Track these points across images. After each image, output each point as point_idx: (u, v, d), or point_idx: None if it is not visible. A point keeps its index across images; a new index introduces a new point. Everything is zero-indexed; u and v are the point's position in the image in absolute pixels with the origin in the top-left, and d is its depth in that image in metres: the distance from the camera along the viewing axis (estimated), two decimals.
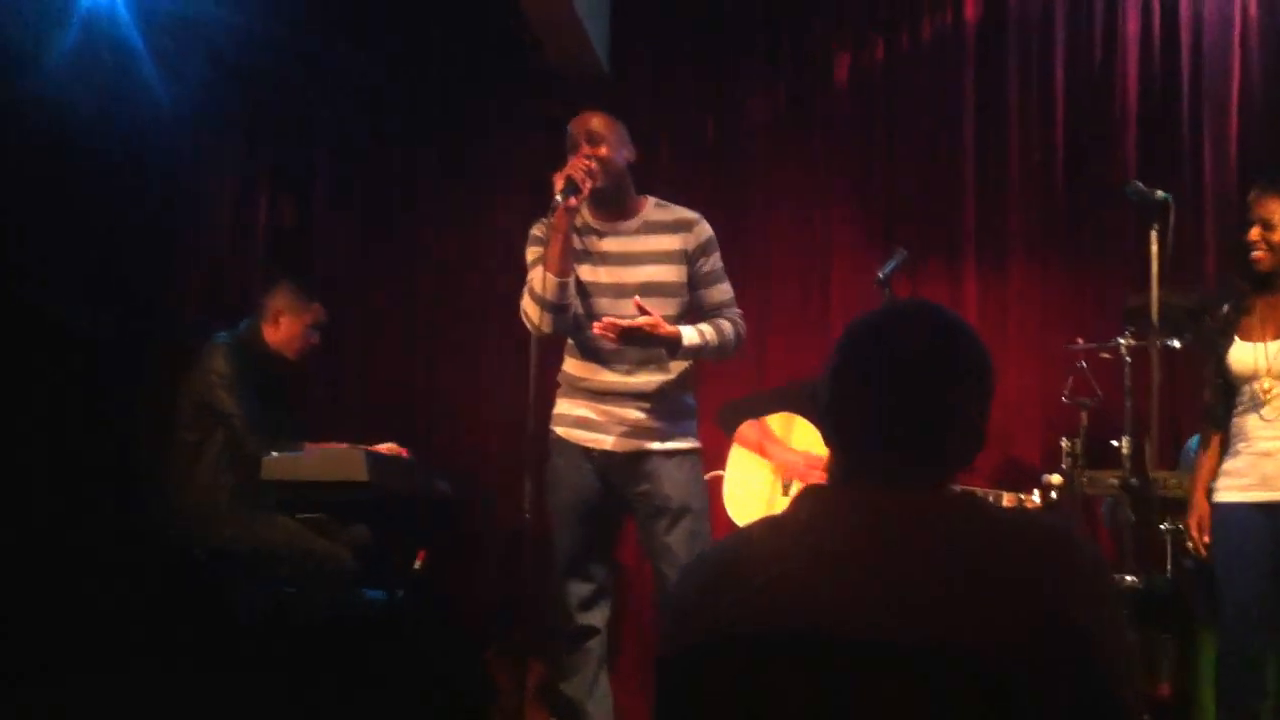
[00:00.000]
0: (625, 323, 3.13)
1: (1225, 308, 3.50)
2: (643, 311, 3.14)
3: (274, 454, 3.83)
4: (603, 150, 3.25)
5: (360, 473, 3.74)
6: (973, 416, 1.41)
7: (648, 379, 3.29)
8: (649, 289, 3.26)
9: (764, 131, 5.17)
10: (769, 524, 1.44)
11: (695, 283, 3.33)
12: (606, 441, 3.30)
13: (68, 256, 4.29)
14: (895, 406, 1.38)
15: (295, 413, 4.33)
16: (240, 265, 5.32)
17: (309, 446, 4.03)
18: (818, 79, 5.15)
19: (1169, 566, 3.89)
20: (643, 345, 3.21)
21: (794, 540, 1.35)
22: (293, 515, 3.94)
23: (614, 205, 3.33)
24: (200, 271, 5.28)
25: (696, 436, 3.40)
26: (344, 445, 4.06)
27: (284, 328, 4.16)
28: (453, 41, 5.34)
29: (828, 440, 1.44)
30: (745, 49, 5.20)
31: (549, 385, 3.40)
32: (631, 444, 3.28)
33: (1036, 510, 3.85)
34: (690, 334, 3.23)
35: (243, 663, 3.53)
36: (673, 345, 3.20)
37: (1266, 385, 3.32)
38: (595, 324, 3.18)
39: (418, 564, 4.14)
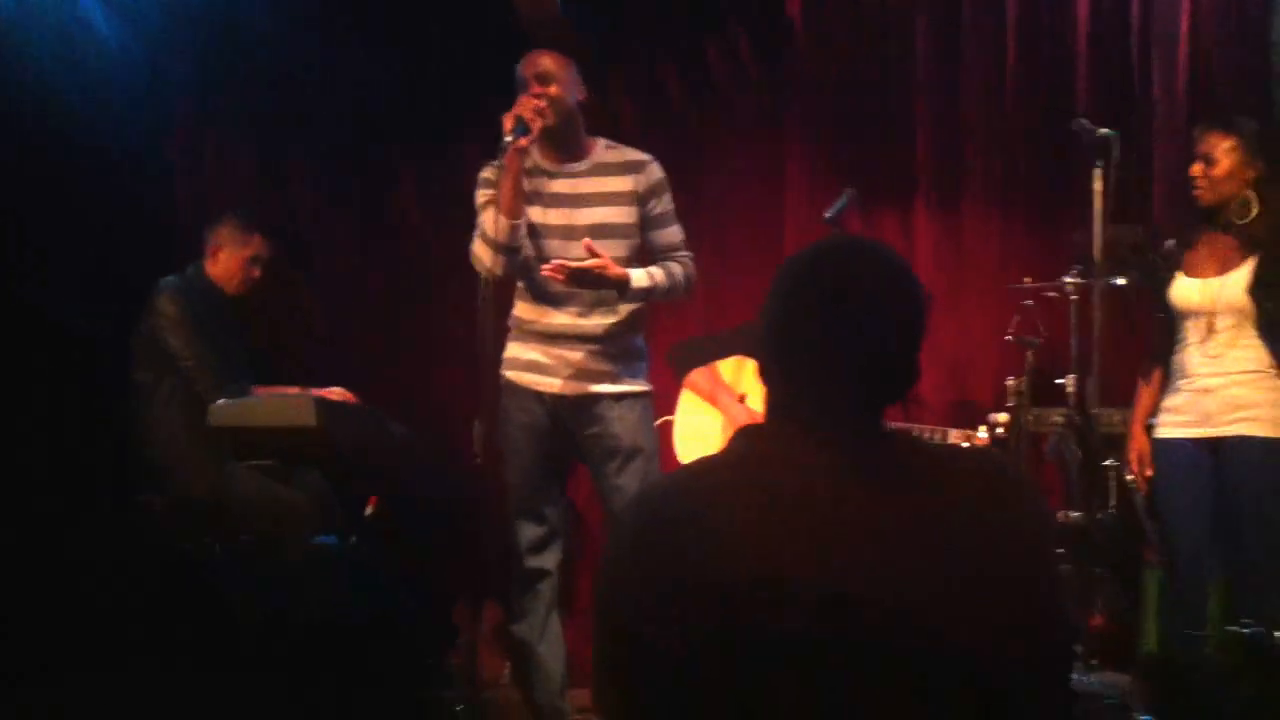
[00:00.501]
0: (574, 264, 3.12)
1: (1170, 243, 3.54)
2: (592, 254, 3.13)
3: (221, 400, 3.78)
4: (553, 89, 3.22)
5: (309, 418, 3.71)
6: (910, 352, 1.41)
7: (598, 321, 3.29)
8: (599, 230, 3.24)
9: (715, 70, 5.12)
10: (708, 465, 1.43)
11: (646, 225, 3.32)
12: (556, 384, 3.30)
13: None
14: (835, 342, 1.37)
15: (248, 353, 4.28)
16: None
17: (259, 390, 4.00)
18: (771, 16, 5.10)
19: (1112, 502, 3.96)
20: (592, 287, 3.20)
21: (740, 485, 1.34)
22: (242, 462, 3.91)
23: (564, 146, 3.30)
24: (166, 230, 5.18)
25: (647, 379, 3.40)
26: (294, 390, 4.03)
27: (222, 262, 4.10)
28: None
29: (764, 376, 1.43)
30: None
31: (500, 331, 3.39)
32: (581, 387, 3.28)
33: (980, 449, 3.89)
34: (639, 276, 3.22)
35: (200, 615, 3.52)
36: (622, 287, 3.19)
37: (1221, 325, 3.34)
38: (544, 266, 3.16)
39: (369, 510, 4.13)
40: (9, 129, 4.01)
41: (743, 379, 4.45)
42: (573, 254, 3.19)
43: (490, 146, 3.30)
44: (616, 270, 3.16)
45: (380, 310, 5.28)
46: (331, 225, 5.32)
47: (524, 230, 3.22)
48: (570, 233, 3.25)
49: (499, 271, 3.20)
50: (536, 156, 3.31)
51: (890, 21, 4.94)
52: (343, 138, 5.28)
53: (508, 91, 5.06)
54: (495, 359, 3.37)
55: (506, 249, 3.18)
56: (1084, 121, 3.66)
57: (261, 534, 3.85)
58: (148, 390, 3.90)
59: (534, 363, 3.32)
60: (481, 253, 3.21)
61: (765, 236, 4.96)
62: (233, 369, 3.99)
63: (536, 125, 3.16)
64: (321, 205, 5.31)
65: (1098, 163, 3.58)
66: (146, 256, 4.57)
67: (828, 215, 3.95)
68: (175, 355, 3.86)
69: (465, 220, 4.19)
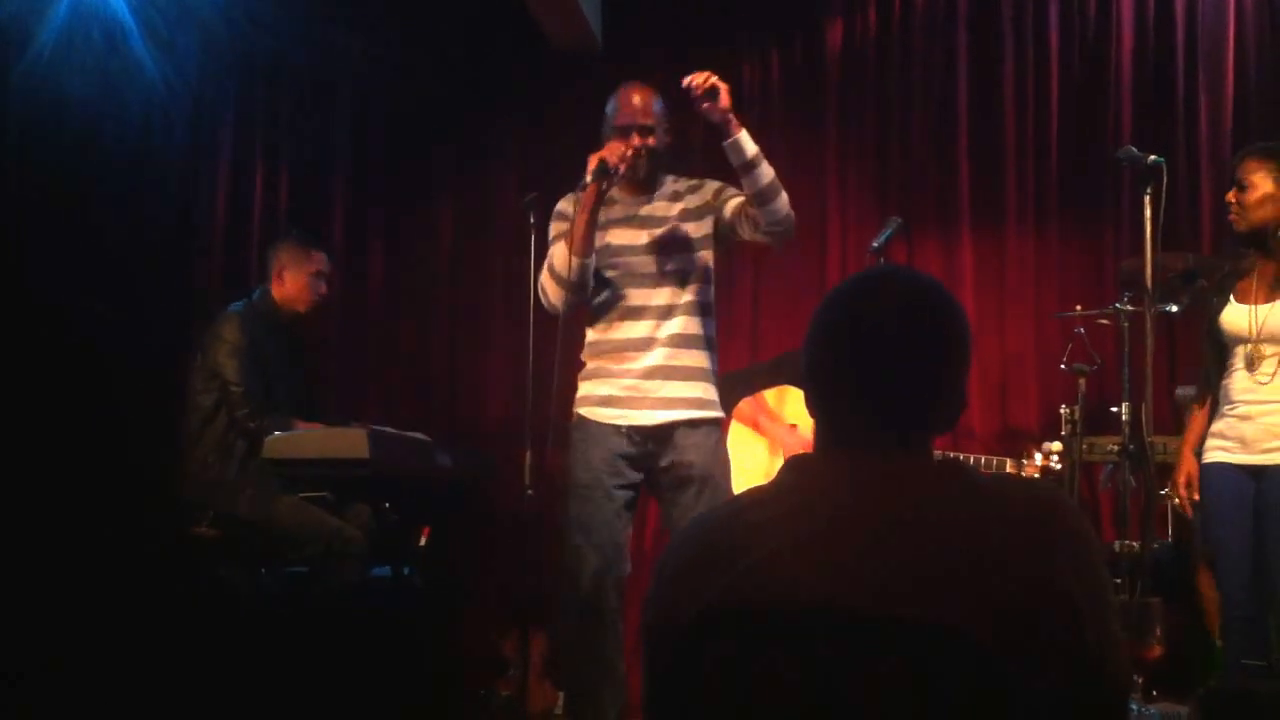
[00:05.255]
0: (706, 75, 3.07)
1: (1226, 269, 3.52)
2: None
3: (276, 433, 3.83)
4: (652, 140, 3.26)
5: (362, 450, 3.73)
6: (955, 380, 1.41)
7: (675, 322, 3.26)
8: (663, 245, 3.26)
9: (756, 102, 5.15)
10: (757, 495, 1.43)
11: (727, 196, 3.31)
12: (634, 417, 3.25)
13: (67, 247, 4.30)
14: (877, 373, 1.37)
15: (308, 382, 4.32)
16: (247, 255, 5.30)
17: (300, 425, 4.03)
18: (810, 49, 5.13)
19: (1169, 530, 3.91)
20: (711, 99, 3.09)
21: (785, 513, 1.34)
22: (296, 494, 3.95)
23: (642, 183, 3.34)
24: (211, 260, 5.27)
25: (720, 407, 3.36)
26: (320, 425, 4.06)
27: (289, 282, 4.12)
28: (460, 25, 5.32)
29: (810, 407, 1.44)
30: (736, 19, 5.18)
31: (572, 365, 3.36)
32: (658, 416, 3.24)
33: (1026, 476, 3.86)
34: (749, 140, 3.15)
35: (253, 643, 3.55)
36: (730, 119, 3.11)
37: (1267, 351, 3.32)
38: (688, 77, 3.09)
39: (422, 540, 4.15)
40: (55, 168, 4.09)
41: (785, 407, 4.45)
42: (636, 271, 3.24)
43: (526, 178, 3.33)
44: (728, 104, 3.09)
45: (426, 342, 5.33)
46: (374, 255, 5.39)
47: (592, 269, 3.22)
48: (636, 250, 3.27)
49: (561, 307, 3.19)
50: (614, 189, 3.34)
51: (931, 49, 4.96)
52: (382, 169, 5.37)
53: (542, 124, 5.15)
54: (550, 391, 3.35)
55: (573, 286, 3.18)
56: (1131, 149, 3.65)
57: (315, 563, 3.87)
58: (207, 410, 3.95)
59: (609, 398, 3.27)
60: (548, 286, 3.23)
61: (808, 268, 4.96)
62: (279, 401, 4.02)
63: (623, 170, 3.18)
64: (364, 235, 5.38)
65: (1146, 190, 3.55)
66: (196, 286, 4.66)
67: (875, 245, 3.95)
68: (225, 380, 3.91)
69: (506, 248, 4.18)
